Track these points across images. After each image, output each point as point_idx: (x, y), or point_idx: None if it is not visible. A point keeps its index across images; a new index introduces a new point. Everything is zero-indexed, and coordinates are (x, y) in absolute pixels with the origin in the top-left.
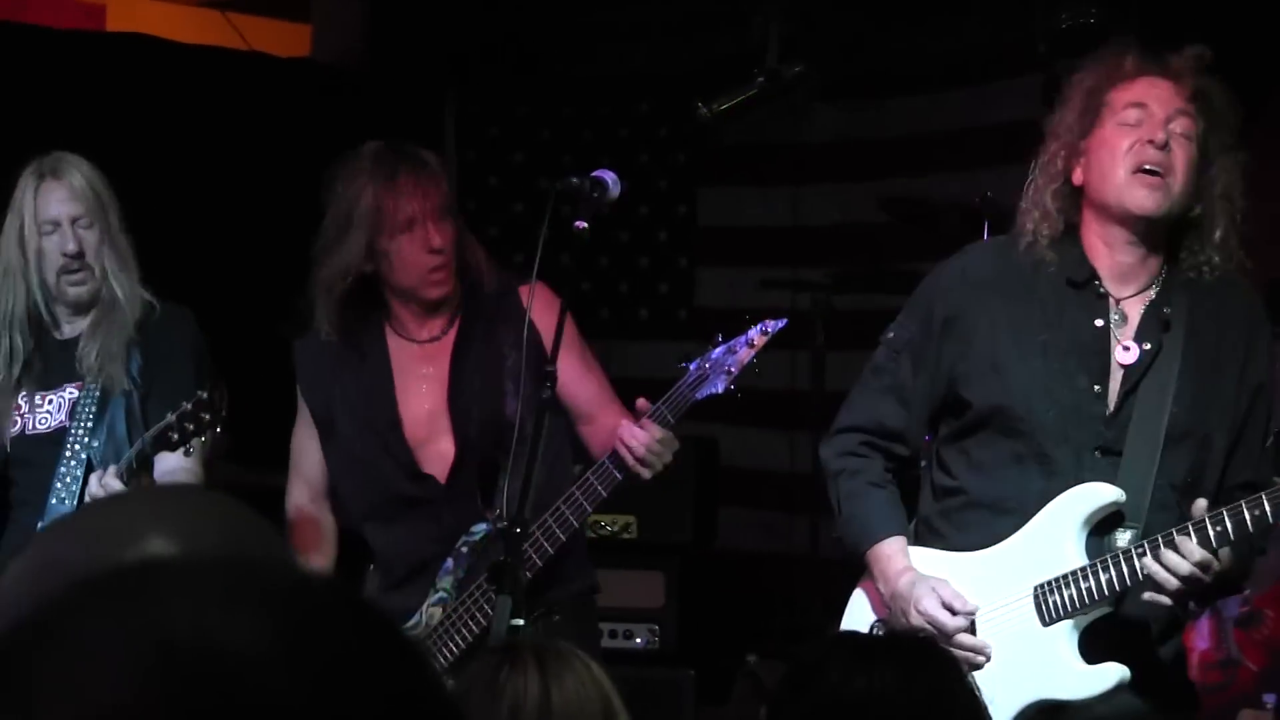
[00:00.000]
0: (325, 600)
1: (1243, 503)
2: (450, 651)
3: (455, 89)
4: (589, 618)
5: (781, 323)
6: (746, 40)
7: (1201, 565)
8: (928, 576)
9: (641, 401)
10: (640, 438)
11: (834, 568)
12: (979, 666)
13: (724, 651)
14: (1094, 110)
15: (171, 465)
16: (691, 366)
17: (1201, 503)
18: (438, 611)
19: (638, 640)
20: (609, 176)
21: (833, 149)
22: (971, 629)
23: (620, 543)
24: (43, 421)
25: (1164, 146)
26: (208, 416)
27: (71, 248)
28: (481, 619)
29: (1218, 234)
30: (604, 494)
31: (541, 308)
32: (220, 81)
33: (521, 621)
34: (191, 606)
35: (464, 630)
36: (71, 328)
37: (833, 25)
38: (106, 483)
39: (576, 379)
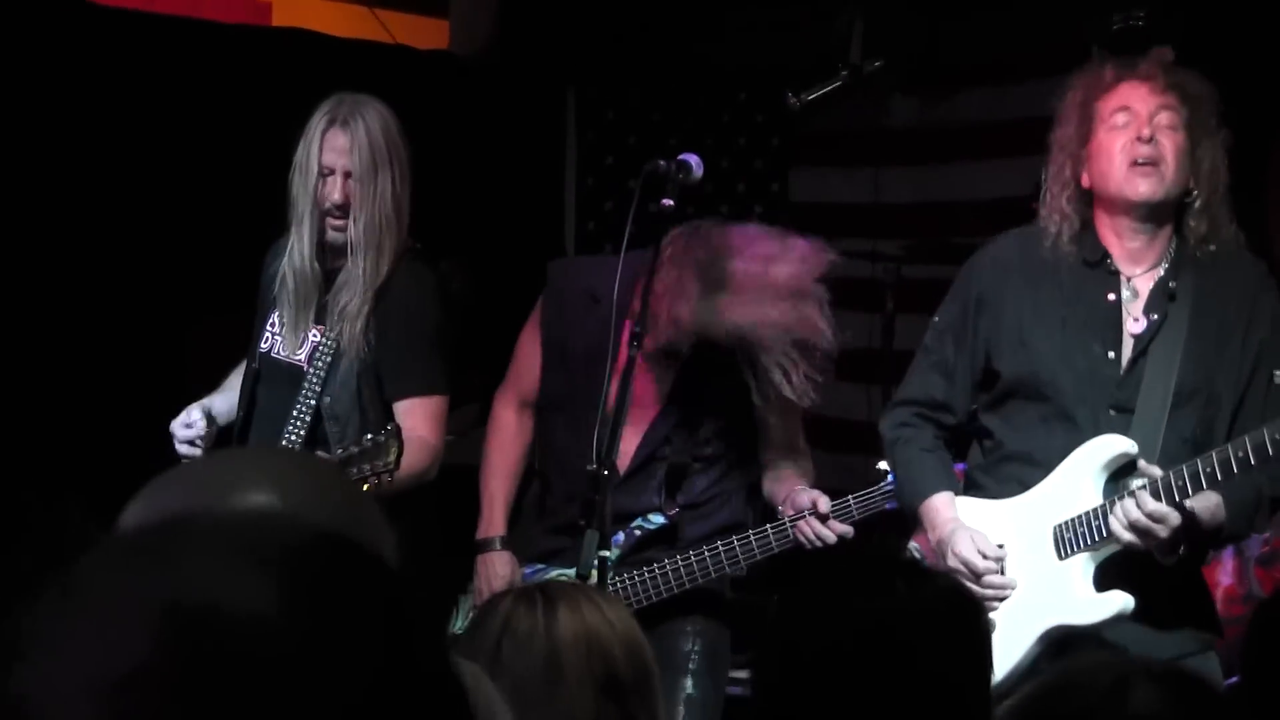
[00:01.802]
0: (337, 565)
1: (1226, 445)
2: None
3: (576, 78)
4: (721, 637)
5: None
6: (832, 37)
7: (1154, 517)
8: (968, 526)
9: (822, 502)
10: (824, 535)
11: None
12: (1004, 599)
13: None
14: (1087, 121)
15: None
16: (890, 478)
17: (1148, 467)
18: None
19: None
20: (693, 159)
21: (909, 134)
22: (1000, 570)
23: None
24: (288, 350)
25: (1150, 140)
26: (380, 463)
27: (337, 198)
28: (628, 598)
29: (1200, 204)
30: (774, 549)
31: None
32: (368, 72)
33: (607, 553)
34: (202, 569)
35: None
36: (330, 265)
37: (909, 24)
38: None
39: (779, 415)
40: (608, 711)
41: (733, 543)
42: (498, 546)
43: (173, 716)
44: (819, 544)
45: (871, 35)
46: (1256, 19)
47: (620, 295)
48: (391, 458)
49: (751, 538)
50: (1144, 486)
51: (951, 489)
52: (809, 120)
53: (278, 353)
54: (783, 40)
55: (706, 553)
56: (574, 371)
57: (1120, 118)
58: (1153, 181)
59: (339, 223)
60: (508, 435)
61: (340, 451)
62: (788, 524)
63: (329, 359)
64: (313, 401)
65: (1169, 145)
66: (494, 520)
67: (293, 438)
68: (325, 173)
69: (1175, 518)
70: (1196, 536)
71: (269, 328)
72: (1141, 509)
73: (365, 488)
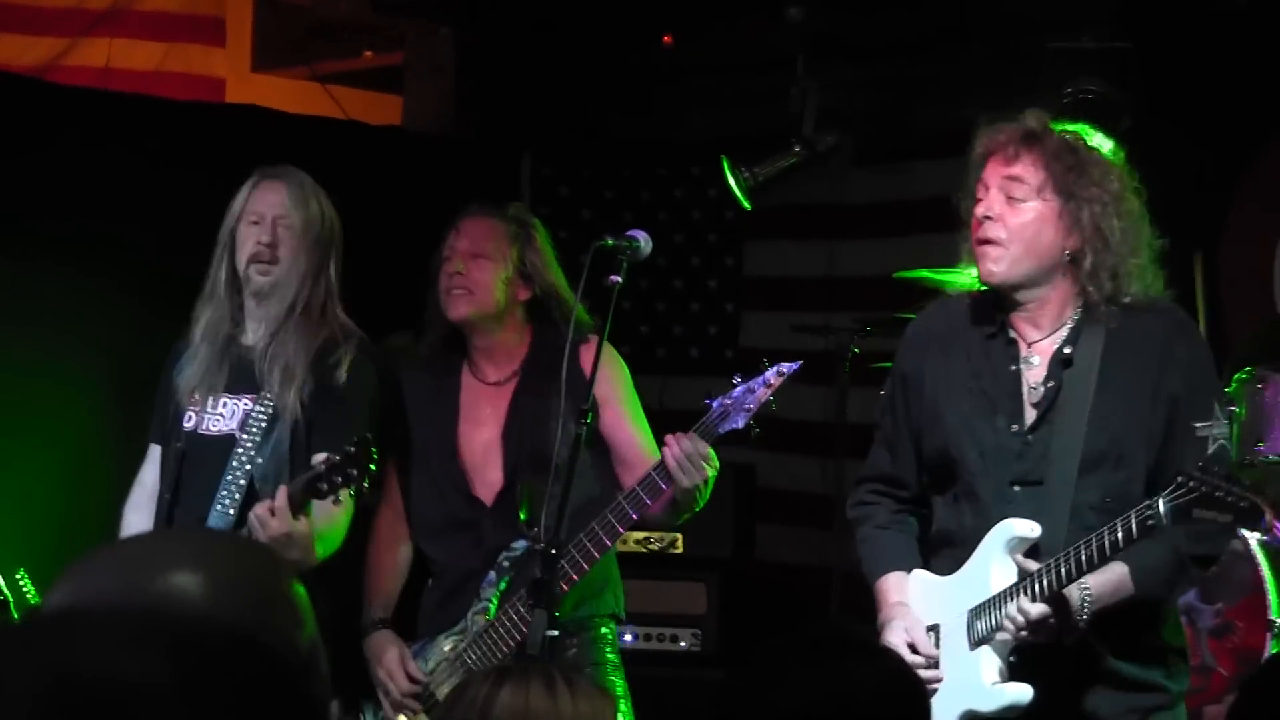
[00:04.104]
0: (224, 642)
1: (1093, 535)
2: (496, 658)
3: (530, 153)
4: (600, 648)
5: (795, 365)
6: (787, 111)
7: (1038, 619)
8: (906, 615)
9: (669, 438)
10: (684, 443)
11: (860, 578)
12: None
13: None
14: (971, 198)
15: (326, 513)
16: (714, 404)
17: (1024, 562)
18: (480, 619)
19: (682, 644)
20: (640, 235)
21: (864, 209)
22: (931, 662)
23: (667, 557)
24: (215, 424)
25: (988, 217)
26: (354, 472)
27: (266, 238)
28: (522, 626)
29: (1088, 265)
30: (648, 503)
31: (603, 361)
32: (321, 147)
33: (556, 633)
34: (96, 646)
35: (508, 640)
36: (256, 334)
37: (863, 99)
38: (270, 524)
39: (621, 427)
40: None
41: (607, 516)
42: (377, 629)
43: None
44: (680, 453)
45: (826, 109)
46: (1204, 81)
47: (569, 372)
48: (367, 463)
49: (622, 500)
50: (1025, 588)
51: (903, 567)
52: (764, 195)
53: (206, 428)
54: (736, 115)
55: (586, 539)
56: (424, 445)
57: (981, 193)
58: (989, 262)
59: (265, 266)
60: (384, 529)
61: (316, 464)
62: (653, 474)
63: (263, 423)
64: (248, 467)
65: (1014, 218)
66: (372, 605)
67: (226, 503)
68: (253, 220)
69: (1064, 602)
70: (1100, 612)
71: (190, 407)
72: (1026, 617)
73: (346, 495)
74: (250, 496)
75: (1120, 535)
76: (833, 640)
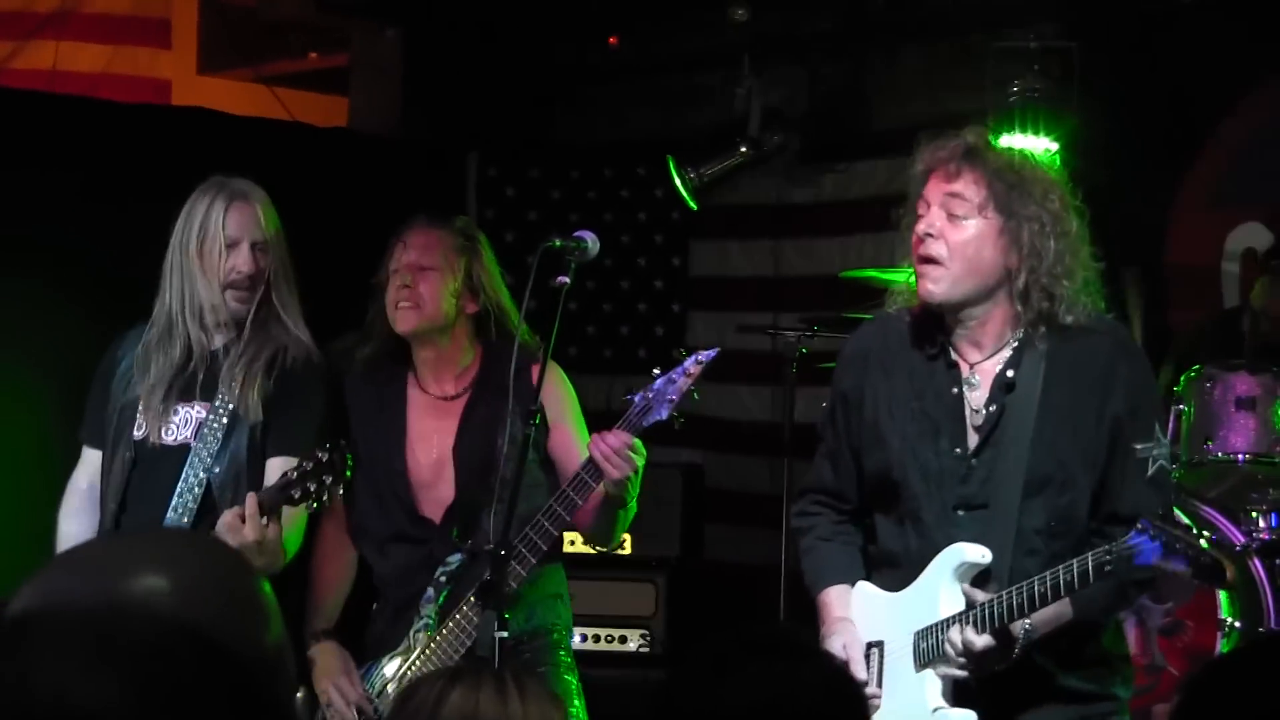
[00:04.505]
0: (183, 649)
1: (1047, 572)
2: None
3: (476, 154)
4: (555, 651)
5: (713, 353)
6: (732, 111)
7: (984, 651)
8: (847, 632)
9: (594, 435)
10: (609, 439)
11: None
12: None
13: None
14: (913, 215)
15: (291, 515)
16: (636, 399)
17: (971, 591)
18: (422, 637)
19: (630, 644)
20: (588, 235)
21: (809, 208)
22: (869, 680)
23: (615, 558)
24: (169, 433)
25: (929, 236)
26: (329, 478)
27: (247, 269)
28: (467, 638)
29: (1021, 283)
30: (579, 503)
31: (551, 381)
32: (267, 149)
33: (505, 634)
34: (52, 666)
35: (455, 649)
36: (215, 344)
37: (807, 99)
38: (241, 531)
39: (570, 448)
40: None
41: (540, 520)
42: (319, 640)
43: None
44: (608, 449)
45: (770, 110)
46: (1146, 81)
47: (517, 377)
48: (341, 470)
49: (555, 504)
50: (968, 618)
51: (847, 580)
52: (709, 194)
53: (158, 438)
54: (682, 115)
55: (522, 545)
56: (369, 458)
57: (921, 209)
58: (929, 282)
59: (244, 294)
60: (326, 541)
61: (289, 473)
62: (582, 472)
63: (219, 432)
64: (202, 475)
65: (955, 237)
66: (314, 617)
67: (180, 511)
68: (230, 243)
69: (1007, 634)
70: (1041, 639)
71: (139, 416)
72: (970, 648)
73: (311, 506)
74: (206, 505)
75: (1075, 575)
76: (773, 640)
